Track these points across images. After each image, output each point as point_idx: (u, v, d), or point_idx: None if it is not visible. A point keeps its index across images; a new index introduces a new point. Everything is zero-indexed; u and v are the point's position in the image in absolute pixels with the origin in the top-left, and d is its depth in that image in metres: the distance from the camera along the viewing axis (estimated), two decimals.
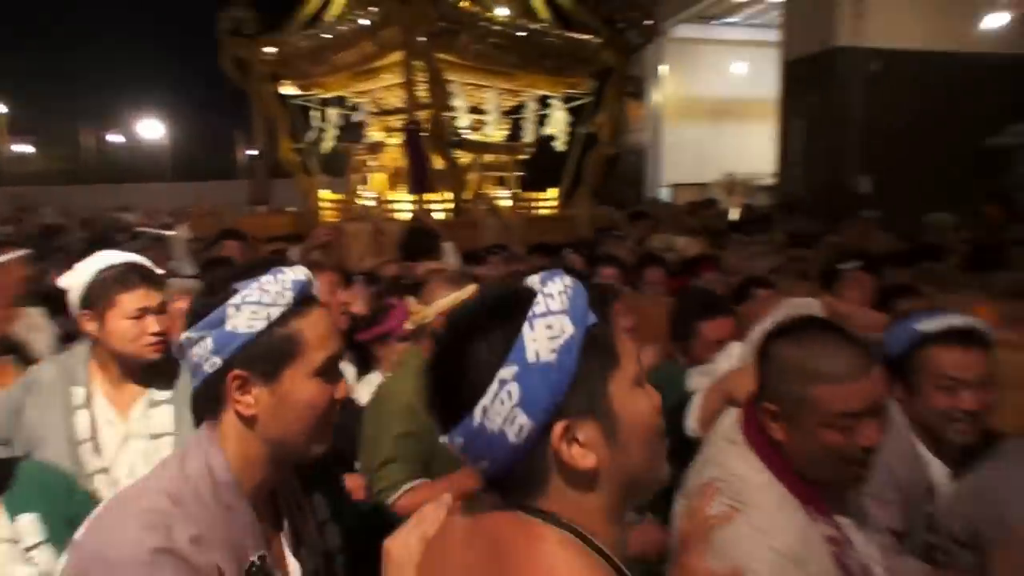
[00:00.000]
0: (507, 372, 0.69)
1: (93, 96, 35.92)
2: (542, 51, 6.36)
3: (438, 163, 5.72)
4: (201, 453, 0.95)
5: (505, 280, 0.79)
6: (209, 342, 0.93)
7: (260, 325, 0.93)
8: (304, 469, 1.06)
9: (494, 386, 0.69)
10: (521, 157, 7.05)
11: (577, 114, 7.17)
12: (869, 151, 9.06)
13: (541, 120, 7.05)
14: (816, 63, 9.41)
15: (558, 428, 0.70)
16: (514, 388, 0.69)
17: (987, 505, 1.38)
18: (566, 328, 0.71)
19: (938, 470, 1.53)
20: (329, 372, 0.98)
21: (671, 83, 13.09)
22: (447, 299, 1.84)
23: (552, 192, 7.16)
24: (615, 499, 0.75)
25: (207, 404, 0.97)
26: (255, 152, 7.35)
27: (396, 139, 6.18)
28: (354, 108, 6.96)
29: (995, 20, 9.30)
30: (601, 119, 7.05)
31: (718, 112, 12.67)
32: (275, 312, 0.94)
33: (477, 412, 0.70)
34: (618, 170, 12.88)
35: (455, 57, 5.88)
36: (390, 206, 6.11)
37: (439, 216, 5.49)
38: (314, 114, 7.14)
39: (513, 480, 0.74)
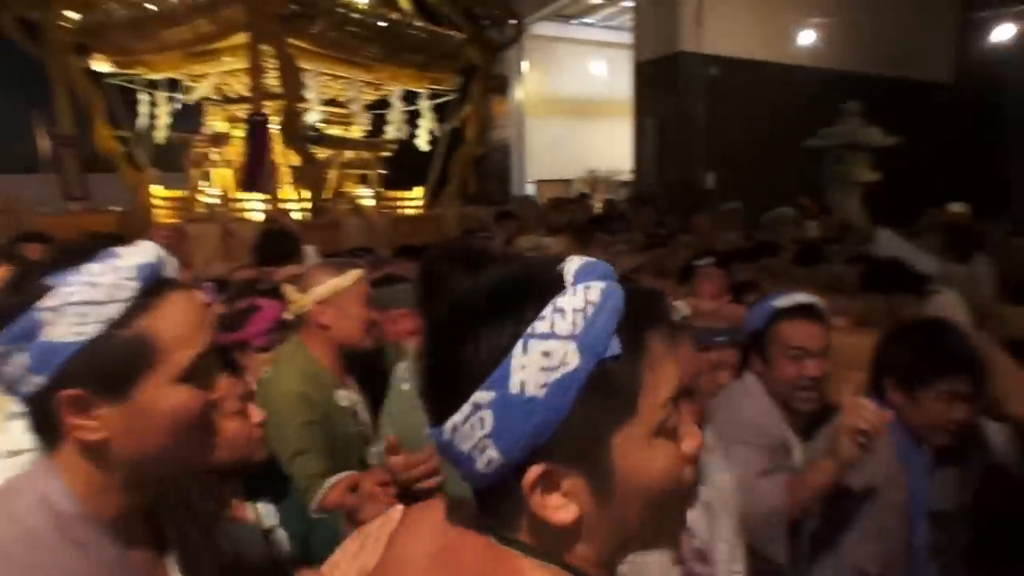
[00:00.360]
0: (483, 396, 0.56)
1: None
2: (405, 44, 6.12)
3: (292, 159, 5.36)
4: (31, 488, 0.75)
5: (540, 259, 0.61)
6: (25, 357, 0.71)
7: (92, 330, 0.72)
8: (250, 474, 0.88)
9: (466, 407, 0.56)
10: (384, 154, 6.82)
11: (442, 111, 7.07)
12: (712, 150, 9.80)
13: (410, 117, 6.84)
14: (663, 66, 9.99)
15: (532, 473, 0.56)
16: (488, 416, 0.55)
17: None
18: (569, 359, 0.54)
19: (792, 437, 1.74)
20: (199, 374, 0.78)
21: (533, 80, 13.32)
22: (326, 286, 1.76)
23: (418, 191, 6.99)
24: (605, 552, 0.61)
25: (40, 430, 0.76)
26: (63, 139, 6.05)
27: (242, 131, 5.61)
28: (188, 94, 6.24)
29: (807, 36, 10.45)
30: (466, 114, 6.97)
31: (579, 110, 13.08)
32: (113, 311, 0.73)
33: (447, 427, 0.58)
34: (485, 168, 12.93)
35: (309, 44, 5.48)
36: (238, 205, 5.56)
37: (296, 217, 5.13)
38: (142, 98, 6.37)
39: (487, 501, 0.61)
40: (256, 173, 4.93)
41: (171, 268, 0.81)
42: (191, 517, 0.91)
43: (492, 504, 0.61)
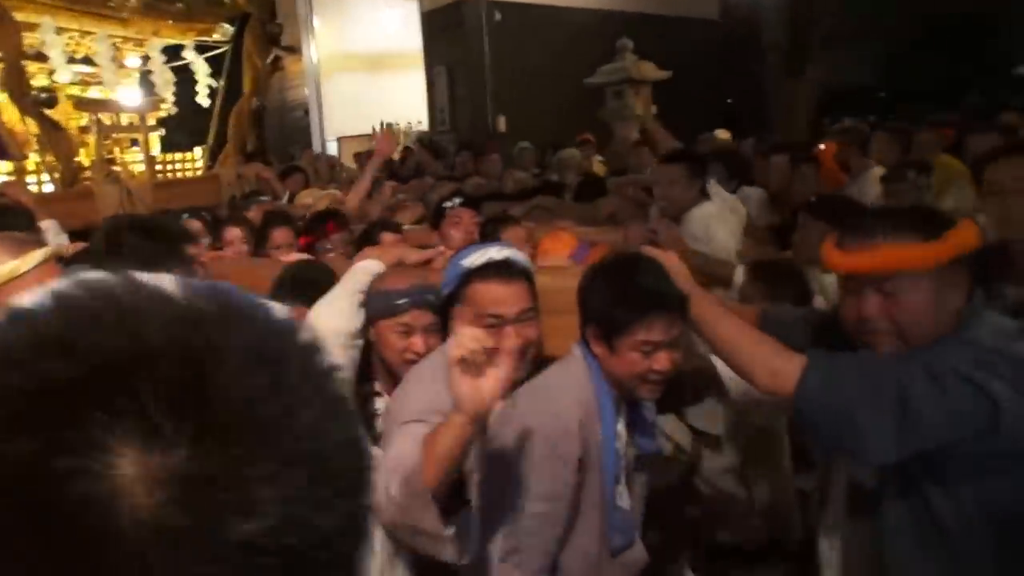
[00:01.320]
0: None
1: None
2: None
3: (30, 127, 4.76)
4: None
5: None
6: None
7: None
8: None
9: None
10: (159, 115, 6.25)
11: (217, 65, 6.59)
12: (501, 94, 10.13)
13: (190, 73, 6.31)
14: (448, 14, 10.10)
15: None
16: None
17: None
18: None
19: None
20: None
21: (326, 36, 12.75)
22: (3, 269, 1.40)
23: (198, 153, 6.54)
24: None
25: None
26: None
27: None
28: None
29: None
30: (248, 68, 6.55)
31: (374, 64, 12.78)
32: None
33: None
34: (286, 128, 12.29)
35: None
36: None
37: (41, 189, 4.60)
38: None
39: None
40: None
41: None
42: None
43: None
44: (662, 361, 1.39)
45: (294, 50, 11.77)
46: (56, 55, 5.09)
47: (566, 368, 1.50)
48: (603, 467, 1.44)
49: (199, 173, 6.37)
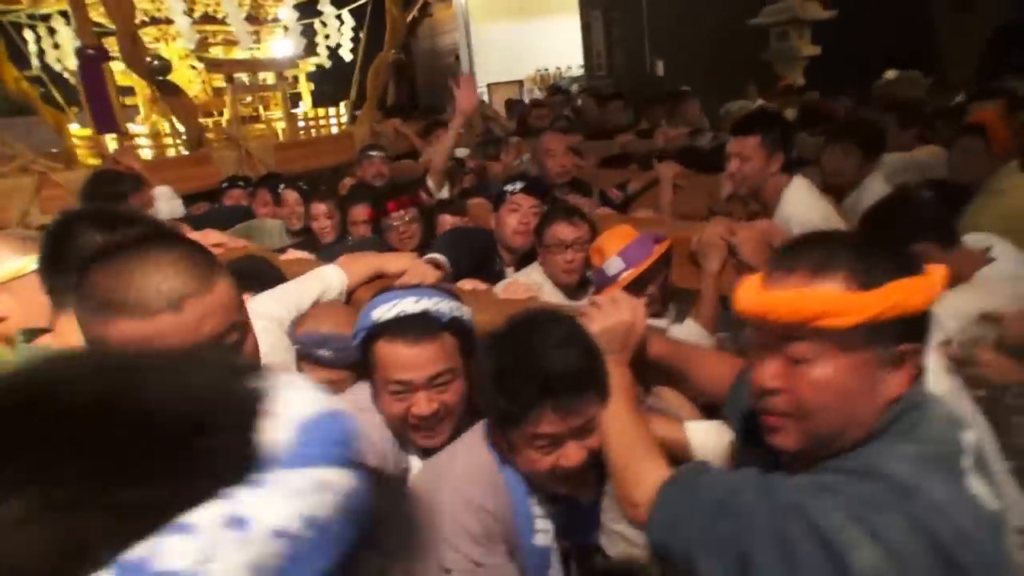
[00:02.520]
0: None
1: None
2: None
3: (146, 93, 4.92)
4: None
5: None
6: None
7: None
8: None
9: None
10: (304, 70, 6.38)
11: (358, 19, 6.56)
12: (658, 36, 9.36)
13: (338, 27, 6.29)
14: None
15: None
16: None
17: None
18: None
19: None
20: None
21: None
22: (9, 266, 1.33)
23: (344, 108, 6.59)
24: None
25: None
26: None
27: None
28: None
29: None
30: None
31: (524, 8, 12.41)
32: None
33: None
34: (436, 75, 12.39)
35: None
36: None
37: (165, 153, 4.65)
38: (29, 36, 5.86)
39: None
40: (100, 112, 4.21)
41: None
42: None
43: None
44: (570, 457, 1.11)
45: None
46: (180, 19, 4.79)
47: (475, 446, 1.23)
48: (525, 567, 1.21)
49: (343, 129, 6.42)
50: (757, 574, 0.81)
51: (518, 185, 2.38)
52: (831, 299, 0.81)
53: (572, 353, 1.08)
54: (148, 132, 4.97)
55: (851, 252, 0.85)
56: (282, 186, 3.42)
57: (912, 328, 0.83)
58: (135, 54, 4.32)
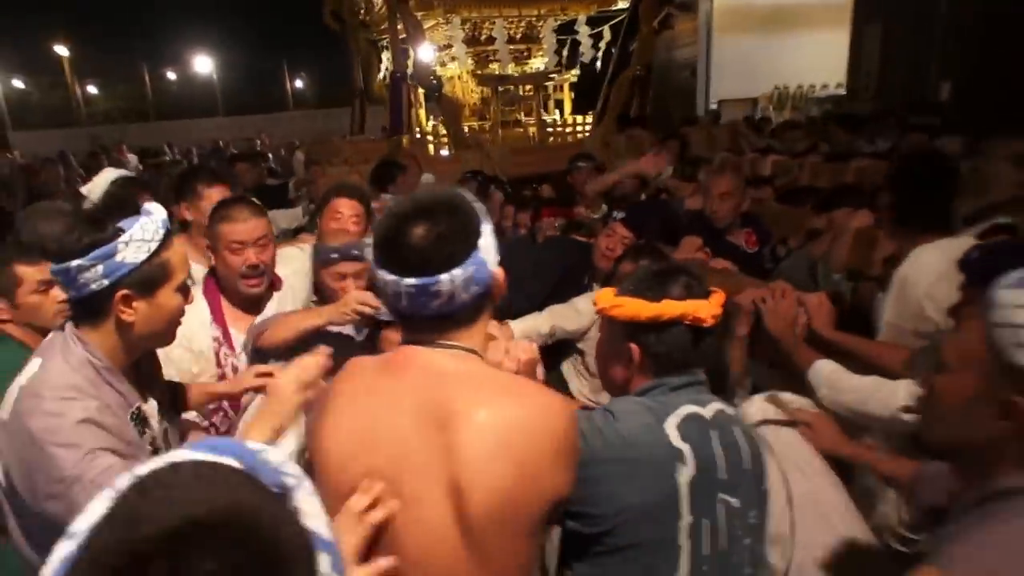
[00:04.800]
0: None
1: (148, 34, 36.34)
2: None
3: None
4: (73, 349, 1.29)
5: None
6: (100, 268, 1.24)
7: (143, 256, 1.27)
8: None
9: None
10: (561, 81, 6.95)
11: (614, 33, 6.82)
12: (949, 53, 7.88)
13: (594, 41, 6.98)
14: None
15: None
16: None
17: None
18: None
19: None
20: (185, 289, 1.40)
21: None
22: None
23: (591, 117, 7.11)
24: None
25: (88, 312, 1.30)
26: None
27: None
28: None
29: None
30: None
31: (775, 20, 11.38)
32: (153, 246, 1.28)
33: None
34: (669, 89, 11.99)
35: None
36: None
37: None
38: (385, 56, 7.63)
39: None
40: (395, 120, 5.95)
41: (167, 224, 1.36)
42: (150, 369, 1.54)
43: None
44: None
45: (688, 7, 11.29)
46: (500, 45, 6.29)
47: None
48: None
49: (576, 138, 6.72)
50: None
51: (621, 215, 2.77)
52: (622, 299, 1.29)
53: None
54: (430, 133, 6.53)
55: (653, 274, 1.32)
56: (492, 187, 4.33)
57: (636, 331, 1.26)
58: (419, 75, 5.99)
